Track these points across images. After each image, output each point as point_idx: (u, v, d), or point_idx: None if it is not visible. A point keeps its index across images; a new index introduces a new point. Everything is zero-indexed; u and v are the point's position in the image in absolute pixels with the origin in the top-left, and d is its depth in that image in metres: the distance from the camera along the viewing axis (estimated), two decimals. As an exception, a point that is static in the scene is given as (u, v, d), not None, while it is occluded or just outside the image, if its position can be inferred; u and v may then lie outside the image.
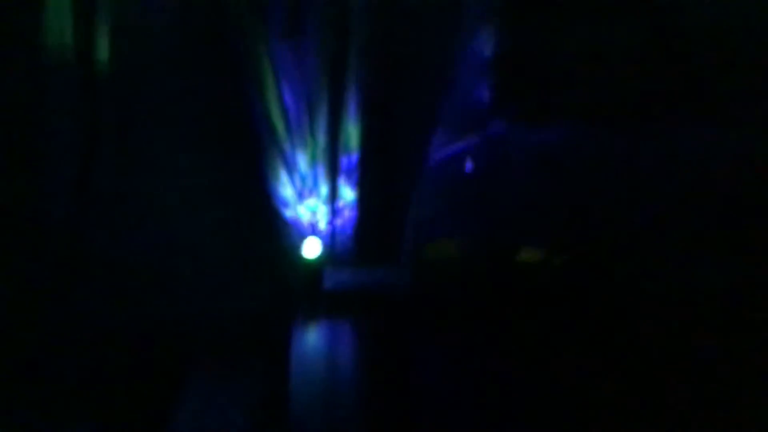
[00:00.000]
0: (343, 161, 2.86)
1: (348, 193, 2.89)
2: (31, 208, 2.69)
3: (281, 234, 2.89)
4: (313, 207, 2.89)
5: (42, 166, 2.68)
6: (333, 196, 2.89)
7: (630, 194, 2.86)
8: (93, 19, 2.61)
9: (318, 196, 2.89)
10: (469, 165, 2.81)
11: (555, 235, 2.84)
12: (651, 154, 2.83)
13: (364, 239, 2.91)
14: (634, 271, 2.81)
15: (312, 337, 2.69)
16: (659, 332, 2.43)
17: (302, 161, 2.84)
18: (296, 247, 2.86)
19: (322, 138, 2.82)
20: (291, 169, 2.84)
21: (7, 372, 2.64)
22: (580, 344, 2.41)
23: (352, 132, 2.82)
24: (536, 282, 2.77)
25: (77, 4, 2.60)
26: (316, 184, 2.87)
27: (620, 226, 2.85)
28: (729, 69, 2.80)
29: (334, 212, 2.90)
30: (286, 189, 2.86)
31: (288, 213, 2.89)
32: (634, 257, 2.82)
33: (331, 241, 2.90)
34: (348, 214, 2.90)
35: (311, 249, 2.82)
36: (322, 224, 2.90)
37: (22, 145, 2.65)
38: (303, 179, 2.86)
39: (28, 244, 2.71)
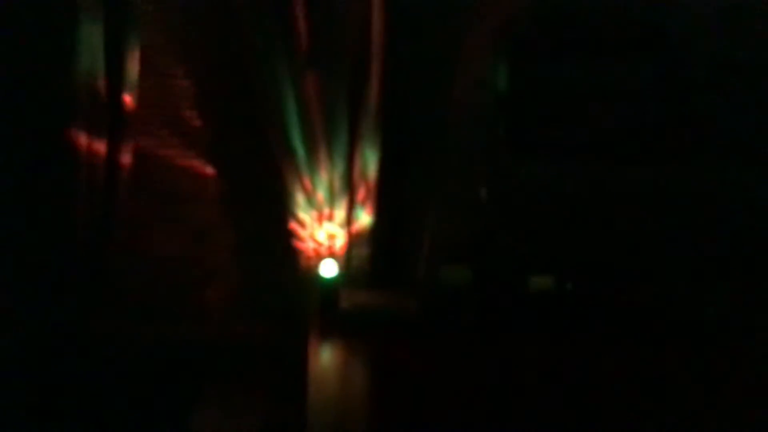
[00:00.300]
0: (360, 186, 2.96)
1: (364, 217, 2.99)
2: (58, 222, 2.78)
3: (299, 256, 2.99)
4: (330, 230, 2.98)
5: (70, 184, 2.77)
6: (350, 219, 2.99)
7: (637, 224, 2.95)
8: (122, 41, 2.71)
9: (335, 219, 2.98)
10: (483, 192, 2.90)
11: (564, 263, 2.93)
12: (657, 186, 2.92)
13: (379, 262, 3.00)
14: (643, 298, 2.89)
15: (326, 356, 2.77)
16: (671, 358, 2.50)
17: (320, 185, 2.94)
18: (313, 269, 2.95)
19: (340, 163, 2.91)
20: (309, 192, 2.94)
21: (28, 384, 2.74)
22: (591, 370, 2.48)
23: (369, 158, 2.92)
24: (547, 308, 2.86)
25: (108, 25, 2.70)
26: (333, 207, 2.97)
27: (628, 254, 2.94)
28: (736, 105, 2.88)
29: (350, 236, 2.99)
30: (304, 212, 2.95)
31: (305, 235, 2.98)
32: (643, 285, 2.90)
33: (347, 263, 2.99)
34: (364, 238, 2.99)
35: (328, 271, 2.92)
36: (339, 247, 2.99)
37: (52, 159, 2.75)
38: (321, 203, 2.95)
39: (54, 259, 2.80)
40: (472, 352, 2.65)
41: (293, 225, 2.98)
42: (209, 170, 3.01)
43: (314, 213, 2.97)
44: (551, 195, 2.91)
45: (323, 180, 2.93)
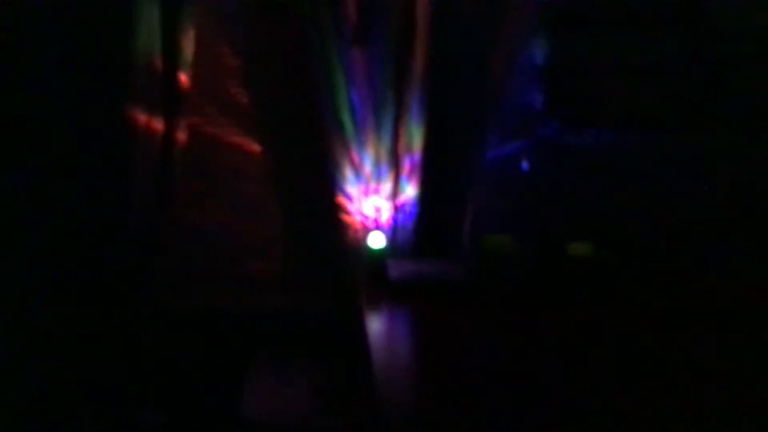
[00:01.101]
0: (406, 160, 3.06)
1: (410, 190, 3.09)
2: (115, 195, 2.86)
3: (347, 228, 3.09)
4: (377, 203, 3.09)
5: (124, 163, 2.86)
6: (395, 192, 3.09)
7: (675, 194, 3.05)
8: (178, 27, 2.79)
9: (381, 192, 3.08)
10: (524, 164, 3.01)
11: (603, 231, 3.04)
12: (694, 156, 3.02)
13: (424, 233, 3.11)
14: (682, 266, 2.99)
15: (377, 324, 2.87)
16: (704, 327, 2.59)
17: (367, 160, 3.04)
18: (361, 241, 3.07)
19: (386, 138, 3.01)
20: (357, 167, 3.04)
21: (80, 359, 2.83)
22: (628, 336, 2.57)
23: (414, 133, 3.01)
24: (585, 275, 2.97)
25: (164, 7, 2.78)
26: (379, 181, 3.07)
27: (666, 224, 3.04)
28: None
29: (397, 208, 3.10)
30: (351, 186, 3.06)
31: (353, 209, 3.09)
32: (682, 253, 3.00)
33: (393, 234, 3.10)
34: (409, 210, 3.10)
35: (375, 242, 3.03)
36: (385, 219, 3.10)
37: (104, 143, 2.84)
38: (368, 177, 3.06)
39: (108, 235, 2.89)
40: (513, 318, 2.75)
41: (341, 198, 3.08)
42: (257, 146, 3.11)
43: (361, 186, 3.07)
44: (590, 164, 3.02)
45: (370, 154, 3.03)
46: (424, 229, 3.11)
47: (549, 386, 2.19)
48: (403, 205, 3.11)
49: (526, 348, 2.51)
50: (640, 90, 3.01)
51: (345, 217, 3.10)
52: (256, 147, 3.09)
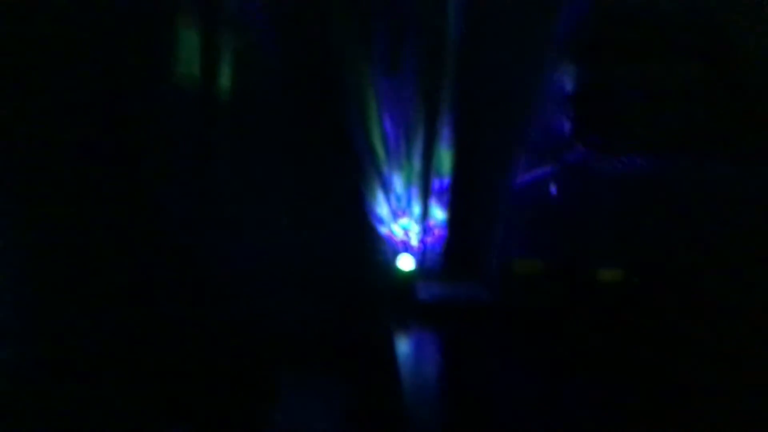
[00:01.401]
0: (435, 184, 3.11)
1: (439, 213, 3.14)
2: (151, 210, 2.96)
3: (377, 249, 3.15)
4: (407, 225, 3.14)
5: (164, 172, 2.96)
6: (425, 215, 3.14)
7: (704, 219, 3.03)
8: (216, 52, 2.92)
9: (411, 215, 3.14)
10: (553, 189, 3.03)
11: (633, 256, 3.03)
12: (720, 181, 3.00)
13: (453, 256, 3.15)
14: (710, 291, 2.95)
15: (405, 343, 2.90)
16: (734, 351, 2.56)
17: (398, 183, 3.10)
18: (390, 262, 3.12)
19: (417, 162, 3.08)
20: (387, 190, 3.10)
21: (109, 367, 2.90)
22: (655, 362, 2.55)
23: (444, 157, 3.07)
24: (615, 301, 2.95)
25: (203, 30, 2.90)
26: (409, 204, 3.13)
27: (695, 249, 3.01)
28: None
29: (426, 230, 3.15)
30: (382, 208, 3.12)
31: (383, 230, 3.15)
32: (710, 278, 2.97)
33: (422, 257, 3.14)
34: (438, 233, 3.14)
35: (404, 264, 3.07)
36: (415, 241, 3.14)
37: (148, 153, 2.95)
38: (398, 200, 3.12)
39: (146, 247, 2.98)
40: (541, 342, 2.74)
41: (372, 220, 3.14)
42: (292, 167, 3.20)
43: (391, 209, 3.13)
44: (619, 190, 3.02)
45: (400, 177, 3.10)
46: (452, 251, 3.15)
47: (576, 411, 2.20)
48: (432, 228, 3.15)
49: (553, 372, 2.50)
50: (667, 116, 3.02)
51: (375, 239, 3.16)
52: (292, 167, 3.18)
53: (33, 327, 2.76)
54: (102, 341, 2.91)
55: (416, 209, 3.14)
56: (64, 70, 2.74)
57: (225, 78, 2.97)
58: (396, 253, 3.13)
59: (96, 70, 2.77)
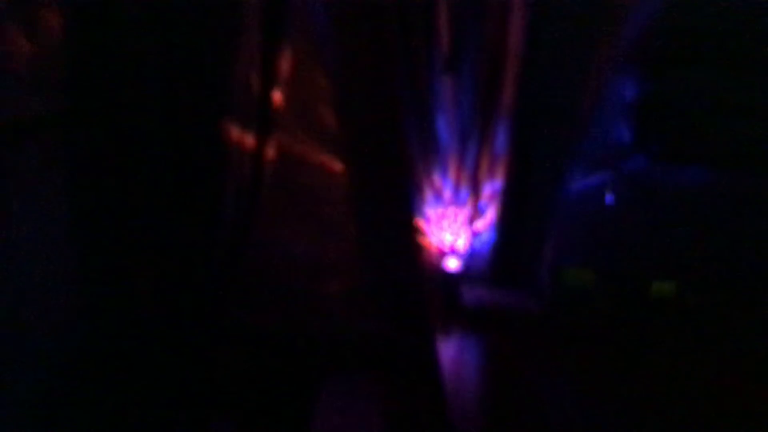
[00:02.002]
0: (486, 187, 3.07)
1: (488, 217, 3.09)
2: (206, 208, 2.98)
3: (424, 252, 3.12)
4: (456, 228, 3.10)
5: (217, 178, 2.98)
6: (474, 218, 3.10)
7: (764, 235, 2.94)
8: (275, 49, 2.91)
9: (460, 218, 3.10)
10: (609, 197, 2.96)
11: (689, 271, 2.95)
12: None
13: (501, 261, 3.10)
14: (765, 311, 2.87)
15: (448, 350, 2.88)
16: None
17: (448, 185, 3.06)
18: (437, 264, 3.09)
19: (469, 165, 3.03)
20: (437, 191, 3.07)
21: (160, 369, 2.94)
22: (709, 381, 2.49)
23: (497, 161, 3.02)
24: (668, 315, 2.88)
25: (264, 32, 2.89)
26: (459, 206, 3.09)
27: (754, 265, 2.93)
28: None
29: (474, 234, 3.11)
30: (431, 209, 3.09)
31: (431, 232, 3.11)
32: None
33: (469, 260, 3.10)
34: (487, 237, 3.10)
35: (451, 266, 3.04)
36: (463, 244, 3.11)
37: (200, 157, 2.97)
38: (448, 201, 3.08)
39: (197, 247, 3.01)
40: (589, 355, 2.70)
41: (420, 221, 3.11)
42: (340, 167, 3.18)
43: (440, 211, 3.10)
44: (678, 201, 2.95)
45: (451, 179, 3.06)
46: (501, 256, 3.10)
47: (621, 428, 2.15)
48: (480, 231, 3.11)
49: (599, 387, 2.46)
50: (731, 129, 2.93)
51: (422, 241, 3.13)
52: (339, 167, 3.17)
53: (84, 319, 2.82)
54: (150, 336, 2.96)
55: (465, 212, 3.09)
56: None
57: (281, 75, 2.96)
58: (443, 255, 3.09)
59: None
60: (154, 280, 2.95)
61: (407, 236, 3.13)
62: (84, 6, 2.62)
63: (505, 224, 3.08)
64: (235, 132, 2.89)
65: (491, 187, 3.07)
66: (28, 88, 2.40)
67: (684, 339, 2.80)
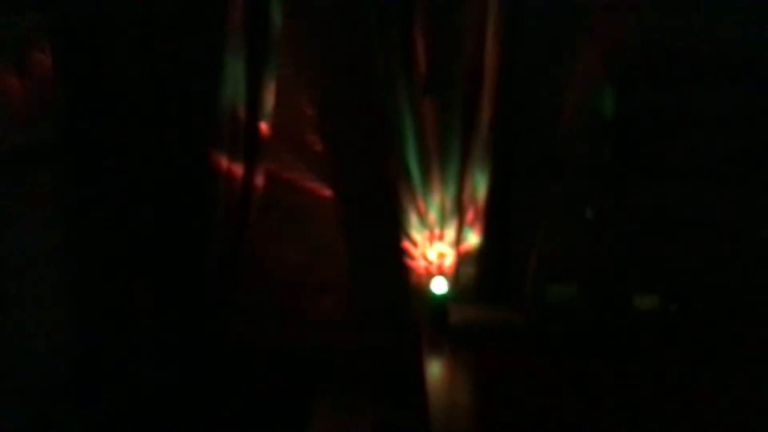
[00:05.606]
0: (470, 208, 3.13)
1: (473, 238, 3.16)
2: (197, 234, 3.05)
3: (410, 273, 3.18)
4: (441, 249, 3.17)
5: (206, 204, 3.06)
6: (459, 240, 3.16)
7: (744, 248, 2.99)
8: (261, 78, 3.01)
9: (445, 239, 3.16)
10: (589, 213, 3.03)
11: (670, 283, 3.00)
12: (762, 209, 2.97)
13: (486, 280, 3.16)
14: (750, 320, 2.91)
15: (436, 366, 2.91)
16: None
17: (433, 206, 3.13)
18: (424, 286, 3.14)
19: (452, 186, 3.10)
20: (422, 213, 3.14)
21: (154, 382, 2.99)
22: (694, 392, 2.52)
23: (479, 181, 3.09)
24: (651, 327, 2.93)
25: (249, 60, 2.99)
26: (444, 227, 3.15)
27: (735, 278, 2.98)
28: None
29: (460, 255, 3.17)
30: (416, 231, 3.15)
31: (417, 254, 3.18)
32: (749, 308, 2.93)
33: (456, 281, 3.16)
34: (473, 257, 3.16)
35: (438, 287, 3.09)
36: (449, 265, 3.16)
37: (189, 185, 3.06)
38: (432, 223, 3.15)
39: (189, 269, 3.08)
40: (575, 368, 2.73)
41: (406, 244, 3.18)
42: (328, 191, 3.27)
43: (426, 233, 3.16)
44: (658, 215, 3.01)
45: (435, 201, 3.13)
46: (487, 275, 3.15)
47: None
48: (466, 252, 3.17)
49: (587, 400, 2.49)
50: (707, 143, 3.01)
51: (409, 262, 3.19)
52: (328, 191, 3.26)
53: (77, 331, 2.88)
54: (144, 355, 3.01)
55: (450, 233, 3.16)
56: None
57: (267, 103, 3.05)
58: (430, 276, 3.15)
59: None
60: (150, 301, 3.03)
61: (395, 256, 3.20)
62: (73, 43, 2.74)
63: (490, 243, 3.14)
64: (223, 160, 2.98)
65: (475, 207, 3.13)
66: (19, 122, 2.50)
67: (668, 351, 2.83)
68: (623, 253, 3.03)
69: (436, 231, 3.17)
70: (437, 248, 3.18)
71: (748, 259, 2.99)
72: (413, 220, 3.14)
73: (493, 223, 3.13)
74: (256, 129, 3.03)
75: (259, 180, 3.09)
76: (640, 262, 3.05)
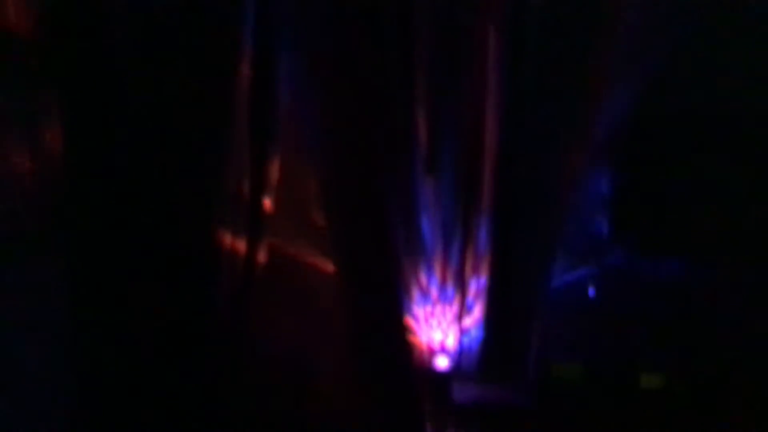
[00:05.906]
0: (472, 284, 3.13)
1: (475, 314, 3.14)
2: (201, 307, 3.04)
3: (413, 349, 3.15)
4: (443, 326, 3.15)
5: (210, 282, 3.06)
6: (461, 316, 3.15)
7: (747, 325, 2.98)
8: (265, 156, 3.06)
9: (447, 315, 3.15)
10: (591, 291, 3.03)
11: (676, 361, 2.97)
12: (764, 286, 2.97)
13: (490, 357, 3.13)
14: (756, 400, 2.87)
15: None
16: None
17: (434, 283, 3.13)
18: (427, 362, 3.11)
19: (453, 262, 3.12)
20: (424, 289, 3.14)
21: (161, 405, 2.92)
22: None
23: (481, 257, 3.11)
24: (658, 407, 2.88)
25: (252, 137, 3.04)
26: (446, 304, 3.15)
27: (742, 355, 2.95)
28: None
29: (462, 331, 3.15)
30: (418, 308, 3.14)
31: (420, 330, 3.16)
32: (756, 387, 2.89)
33: (458, 357, 3.13)
34: (475, 333, 3.14)
35: (440, 365, 3.06)
36: (451, 342, 3.14)
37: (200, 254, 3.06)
38: (434, 299, 3.14)
39: (196, 339, 3.06)
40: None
41: (408, 320, 3.16)
42: (331, 266, 3.27)
43: (428, 309, 3.15)
44: (660, 293, 3.01)
45: (437, 277, 3.13)
46: (489, 353, 3.12)
47: None
48: (468, 329, 3.15)
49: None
50: (707, 219, 3.03)
51: (412, 339, 3.17)
52: (330, 268, 3.26)
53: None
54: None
55: (452, 309, 3.15)
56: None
57: (271, 179, 3.10)
58: (432, 353, 3.12)
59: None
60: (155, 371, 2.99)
61: (398, 332, 3.18)
62: (83, 125, 2.79)
63: (492, 320, 3.13)
64: (227, 237, 3.00)
65: (477, 284, 3.13)
66: (29, 203, 2.53)
67: (674, 430, 2.79)
68: (628, 331, 3.02)
69: (438, 307, 3.16)
70: (439, 324, 3.16)
71: (754, 339, 2.97)
72: (415, 295, 3.14)
73: (495, 300, 3.12)
74: (260, 205, 3.06)
75: (262, 255, 3.09)
76: (646, 341, 3.03)
